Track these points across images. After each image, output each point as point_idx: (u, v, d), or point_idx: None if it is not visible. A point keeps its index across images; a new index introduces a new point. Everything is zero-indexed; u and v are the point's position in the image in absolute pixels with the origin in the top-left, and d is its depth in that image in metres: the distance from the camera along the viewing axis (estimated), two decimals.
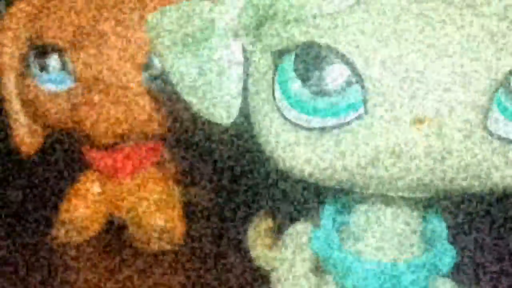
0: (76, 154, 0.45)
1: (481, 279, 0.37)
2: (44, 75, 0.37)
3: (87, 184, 0.44)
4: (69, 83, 0.37)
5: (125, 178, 0.43)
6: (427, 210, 0.26)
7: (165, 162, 0.44)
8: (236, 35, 0.24)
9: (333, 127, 0.21)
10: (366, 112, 0.21)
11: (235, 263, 0.39)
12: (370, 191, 0.23)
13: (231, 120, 0.24)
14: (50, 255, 0.41)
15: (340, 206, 0.26)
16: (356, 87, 0.21)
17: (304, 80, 0.21)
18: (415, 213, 0.25)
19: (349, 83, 0.21)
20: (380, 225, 0.25)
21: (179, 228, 0.43)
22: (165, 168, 0.44)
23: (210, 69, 0.24)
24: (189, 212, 0.44)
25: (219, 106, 0.24)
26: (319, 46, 0.21)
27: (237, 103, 0.24)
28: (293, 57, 0.22)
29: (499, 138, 0.21)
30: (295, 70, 0.21)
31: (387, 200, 0.25)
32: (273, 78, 0.22)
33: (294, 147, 0.22)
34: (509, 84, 0.21)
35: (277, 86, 0.22)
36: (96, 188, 0.44)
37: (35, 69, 0.38)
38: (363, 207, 0.25)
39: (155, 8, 0.35)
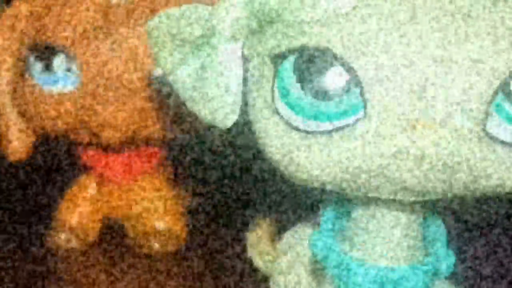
0: (72, 157, 0.45)
1: (480, 284, 0.37)
2: (48, 76, 0.37)
3: (85, 188, 0.44)
4: (74, 84, 0.36)
5: (126, 182, 0.43)
6: (427, 214, 0.26)
7: (165, 165, 0.44)
8: (235, 39, 0.24)
9: (333, 131, 0.21)
10: (365, 115, 0.21)
11: (235, 266, 0.39)
12: (370, 194, 0.23)
13: (231, 123, 0.24)
14: (48, 261, 0.41)
15: (339, 209, 0.26)
16: (356, 91, 0.21)
17: (304, 83, 0.21)
18: (414, 217, 0.25)
19: (348, 87, 0.21)
20: (379, 228, 0.25)
21: (180, 231, 0.43)
22: (165, 171, 0.44)
23: (209, 73, 0.24)
24: (190, 214, 0.44)
25: (219, 109, 0.24)
26: (319, 49, 0.21)
27: (236, 106, 0.24)
28: (292, 60, 0.21)
29: (499, 141, 0.21)
30: (295, 73, 0.21)
31: (386, 204, 0.25)
32: (272, 82, 0.22)
33: (293, 150, 0.22)
34: (509, 88, 0.21)
35: (276, 90, 0.22)
36: (93, 191, 0.44)
37: (36, 70, 0.37)
38: (362, 211, 0.25)
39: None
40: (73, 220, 0.43)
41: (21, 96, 0.38)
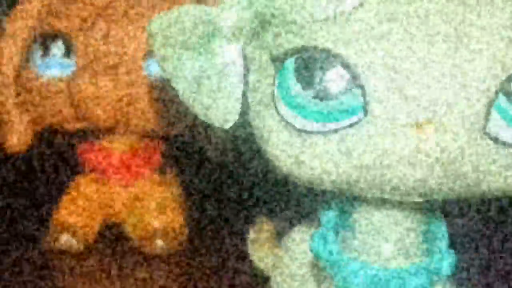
0: (69, 156, 0.45)
1: (481, 284, 0.37)
2: (46, 61, 0.38)
3: (83, 188, 0.44)
4: (71, 70, 0.37)
5: (125, 182, 0.43)
6: (428, 214, 0.26)
7: (165, 165, 0.44)
8: (236, 40, 0.24)
9: (334, 131, 0.21)
10: (366, 116, 0.21)
11: (236, 267, 0.39)
12: (370, 195, 0.23)
13: (231, 123, 0.24)
14: (46, 264, 0.41)
15: (340, 209, 0.26)
16: (356, 91, 0.21)
17: (305, 84, 0.21)
18: (415, 217, 0.25)
19: (349, 87, 0.21)
20: (380, 229, 0.25)
21: (180, 231, 0.43)
22: (165, 170, 0.44)
23: (210, 73, 0.24)
24: (190, 215, 0.44)
25: (219, 109, 0.24)
26: (320, 50, 0.21)
27: (237, 106, 0.24)
28: (293, 61, 0.21)
29: (500, 142, 0.21)
30: (296, 74, 0.21)
31: (387, 204, 0.25)
32: (273, 82, 0.22)
33: (294, 151, 0.22)
34: (509, 88, 0.21)
35: (277, 90, 0.22)
36: (92, 191, 0.43)
37: (37, 57, 0.38)
38: (363, 211, 0.25)
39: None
40: (72, 221, 0.43)
41: (21, 84, 0.39)
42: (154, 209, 0.43)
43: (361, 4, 0.21)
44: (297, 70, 0.21)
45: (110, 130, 0.40)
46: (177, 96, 0.25)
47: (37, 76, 0.38)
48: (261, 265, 0.36)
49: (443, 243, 0.25)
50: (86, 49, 0.37)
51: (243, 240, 0.38)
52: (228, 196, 0.48)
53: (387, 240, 0.25)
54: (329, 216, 0.26)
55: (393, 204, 0.25)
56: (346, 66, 0.21)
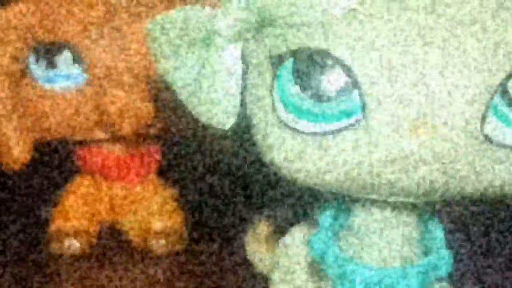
0: (67, 158, 0.45)
1: (478, 283, 0.37)
2: (52, 73, 0.37)
3: (81, 190, 0.43)
4: (80, 79, 0.36)
5: (125, 183, 0.43)
6: (425, 215, 0.26)
7: (164, 166, 0.44)
8: (235, 41, 0.24)
9: (332, 133, 0.21)
10: (364, 117, 0.21)
11: (235, 268, 0.40)
12: (368, 196, 0.23)
13: (230, 124, 0.24)
14: (46, 266, 0.41)
15: (338, 210, 0.26)
16: (354, 92, 0.21)
17: (303, 85, 0.21)
18: (412, 218, 0.25)
19: (347, 89, 0.21)
20: (378, 229, 0.25)
21: (179, 231, 0.43)
22: (164, 171, 0.44)
23: (208, 74, 0.24)
24: (189, 216, 0.44)
25: (218, 110, 0.24)
26: (318, 51, 0.21)
27: (235, 108, 0.24)
28: (291, 62, 0.22)
29: (496, 143, 0.21)
30: (294, 75, 0.22)
31: (385, 205, 0.25)
32: (271, 84, 0.22)
33: (292, 152, 0.22)
34: (506, 89, 0.21)
35: (275, 91, 0.22)
36: (91, 193, 0.43)
37: (38, 69, 0.37)
38: (361, 212, 0.25)
39: (170, 2, 0.36)
40: (74, 224, 0.42)
41: (22, 98, 0.38)
42: (153, 210, 0.43)
43: (359, 6, 0.21)
44: (295, 72, 0.21)
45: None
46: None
47: (39, 89, 0.37)
48: (259, 266, 0.36)
49: (440, 243, 0.25)
50: (99, 59, 0.36)
51: (242, 240, 0.38)
52: (226, 197, 0.48)
53: (385, 240, 0.25)
54: (327, 216, 0.26)
55: (390, 205, 0.25)
56: (344, 67, 0.21)
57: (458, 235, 0.39)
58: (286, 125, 0.22)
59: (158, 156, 0.44)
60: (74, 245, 0.42)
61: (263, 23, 0.23)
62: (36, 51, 0.37)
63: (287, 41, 0.22)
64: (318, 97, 0.21)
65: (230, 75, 0.24)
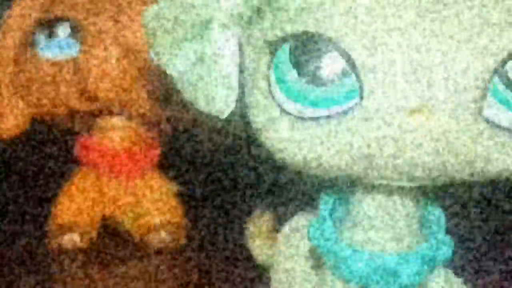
0: (67, 152, 0.45)
1: (479, 269, 0.37)
2: (51, 43, 0.38)
3: (81, 184, 0.43)
4: (75, 51, 0.38)
5: (125, 179, 0.43)
6: (425, 199, 0.26)
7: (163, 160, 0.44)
8: (231, 27, 0.24)
9: (329, 117, 0.21)
10: (361, 101, 0.21)
11: (236, 261, 0.40)
12: (367, 181, 0.23)
13: (228, 112, 0.24)
14: (45, 262, 0.41)
15: (338, 197, 0.26)
16: (352, 76, 0.21)
17: (300, 70, 0.21)
18: (413, 203, 0.25)
19: (344, 73, 0.21)
20: (378, 215, 0.25)
21: (180, 226, 0.43)
22: (164, 166, 0.44)
23: (205, 61, 0.24)
24: (189, 209, 0.44)
25: (215, 98, 0.24)
26: (314, 35, 0.21)
27: (233, 94, 0.24)
28: (288, 47, 0.22)
29: (496, 125, 0.21)
30: (291, 60, 0.21)
31: (385, 190, 0.25)
32: (268, 69, 0.22)
33: (290, 137, 0.22)
34: (504, 71, 0.21)
35: (272, 77, 0.22)
36: (90, 188, 0.43)
37: (40, 38, 0.38)
38: (360, 198, 0.25)
39: None
40: (74, 219, 0.43)
41: (21, 67, 0.39)
42: (153, 205, 0.43)
43: None
44: (292, 56, 0.21)
45: (109, 112, 0.40)
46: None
47: (39, 57, 0.38)
48: (260, 257, 0.36)
49: (440, 229, 0.25)
50: (95, 30, 0.37)
51: (242, 233, 0.38)
52: (226, 191, 0.48)
53: (385, 227, 0.25)
54: (326, 204, 0.26)
55: (390, 191, 0.25)
56: (340, 51, 0.21)
57: (458, 221, 0.39)
58: (283, 110, 0.22)
59: (158, 150, 0.44)
60: (74, 239, 0.42)
61: (259, 9, 0.23)
62: (41, 24, 0.38)
63: (284, 26, 0.22)
64: (316, 82, 0.21)
65: (226, 61, 0.24)
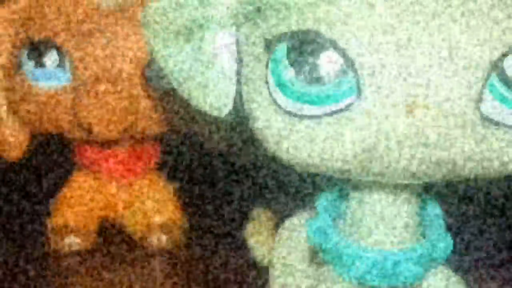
0: (66, 154, 0.44)
1: (478, 267, 0.37)
2: (40, 71, 0.37)
3: (80, 187, 0.43)
4: (66, 80, 0.37)
5: (125, 180, 0.43)
6: (424, 197, 0.26)
7: (163, 161, 0.44)
8: (229, 25, 0.24)
9: (327, 115, 0.21)
10: (359, 99, 0.21)
11: (235, 261, 0.40)
12: (366, 178, 0.23)
13: (226, 111, 0.24)
14: (46, 264, 0.40)
15: (336, 195, 0.26)
16: (350, 74, 0.21)
17: (297, 68, 0.21)
18: (411, 201, 0.25)
19: (342, 71, 0.21)
20: (376, 213, 0.25)
21: (179, 226, 0.43)
22: (163, 166, 0.44)
23: (203, 60, 0.24)
24: (189, 210, 0.44)
25: (213, 97, 0.24)
26: (312, 33, 0.21)
27: (231, 93, 0.24)
28: (286, 45, 0.22)
29: (493, 122, 0.21)
30: (288, 58, 0.21)
31: (383, 188, 0.25)
32: (266, 68, 0.22)
33: (288, 135, 0.22)
34: (502, 68, 0.21)
35: (270, 75, 0.22)
36: (90, 190, 0.43)
37: (28, 66, 0.37)
38: (359, 195, 0.25)
39: None
40: (74, 221, 0.42)
41: (13, 93, 0.38)
42: (153, 206, 0.43)
43: None
44: (289, 55, 0.21)
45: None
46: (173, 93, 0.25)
47: (29, 86, 0.37)
48: (259, 256, 0.36)
49: (439, 227, 0.25)
50: (84, 62, 0.36)
51: (242, 234, 0.38)
52: (226, 191, 0.48)
53: (383, 224, 0.25)
54: (325, 202, 0.26)
55: (388, 188, 0.25)
56: (338, 49, 0.21)
57: (457, 218, 0.39)
58: (281, 108, 0.22)
59: (157, 152, 0.44)
60: (74, 241, 0.42)
61: (256, 7, 0.23)
62: (28, 48, 0.37)
63: (281, 24, 0.22)
64: (313, 80, 0.21)
65: (224, 60, 0.24)
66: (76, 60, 0.36)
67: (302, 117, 0.22)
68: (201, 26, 0.24)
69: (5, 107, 0.39)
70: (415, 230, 0.25)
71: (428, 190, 0.26)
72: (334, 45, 0.21)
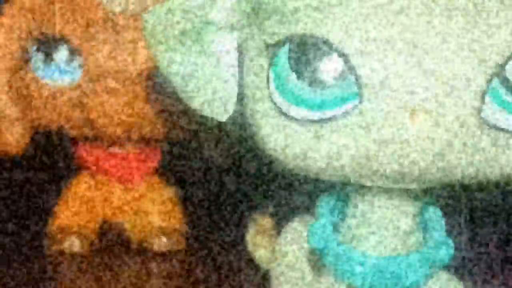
0: (68, 156, 0.44)
1: (479, 271, 0.37)
2: (49, 67, 0.37)
3: (81, 188, 0.43)
4: (74, 76, 0.37)
5: (126, 182, 0.43)
6: (425, 202, 0.26)
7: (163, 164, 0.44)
8: (230, 29, 0.24)
9: (328, 120, 0.21)
10: (360, 103, 0.21)
11: (236, 265, 0.39)
12: (367, 183, 0.23)
13: (227, 115, 0.24)
14: (46, 266, 0.40)
15: (337, 200, 0.26)
16: (351, 78, 0.21)
17: (299, 72, 0.21)
18: (412, 205, 0.25)
19: (343, 75, 0.21)
20: (377, 218, 0.25)
21: (180, 229, 0.43)
22: (164, 169, 0.44)
23: (205, 64, 0.24)
24: (189, 213, 0.44)
25: (215, 101, 0.24)
26: (313, 38, 0.21)
27: (232, 97, 0.24)
28: (287, 49, 0.22)
29: (494, 127, 0.21)
30: (290, 63, 0.22)
31: (384, 193, 0.25)
32: (267, 72, 0.22)
33: (288, 140, 0.22)
34: (503, 73, 0.21)
35: (271, 80, 0.22)
36: (90, 192, 0.43)
37: (37, 62, 0.37)
38: (360, 200, 0.25)
39: None
40: (74, 223, 0.42)
41: (19, 88, 0.38)
42: (154, 209, 0.43)
43: None
44: (291, 59, 0.21)
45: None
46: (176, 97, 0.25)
47: (37, 81, 0.37)
48: (260, 260, 0.36)
49: (439, 231, 0.25)
50: (94, 60, 0.36)
51: (242, 235, 0.38)
52: (226, 195, 0.48)
53: (384, 229, 0.25)
54: (326, 206, 0.26)
55: (389, 193, 0.25)
56: (339, 53, 0.21)
57: (458, 223, 0.39)
58: (283, 113, 0.22)
59: (158, 155, 0.44)
60: (75, 243, 0.41)
61: (257, 11, 0.23)
62: (37, 43, 0.37)
63: (282, 28, 0.22)
64: (315, 84, 0.21)
65: (225, 64, 0.24)
66: (86, 57, 0.36)
67: (303, 121, 0.22)
68: (202, 30, 0.24)
69: (7, 101, 0.39)
70: (416, 234, 0.25)
71: (428, 195, 0.26)
72: (336, 50, 0.21)
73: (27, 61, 0.38)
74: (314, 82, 0.21)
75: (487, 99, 0.21)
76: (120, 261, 0.41)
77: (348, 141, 0.21)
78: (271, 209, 0.38)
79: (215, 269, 0.39)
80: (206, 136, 0.41)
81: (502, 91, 0.21)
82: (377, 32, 0.20)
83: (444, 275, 0.26)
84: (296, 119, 0.22)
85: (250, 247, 0.37)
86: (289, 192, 0.43)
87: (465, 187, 0.24)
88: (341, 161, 0.21)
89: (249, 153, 0.42)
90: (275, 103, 0.22)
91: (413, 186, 0.23)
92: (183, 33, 0.24)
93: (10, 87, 0.38)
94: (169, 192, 0.44)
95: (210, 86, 0.24)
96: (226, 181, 0.49)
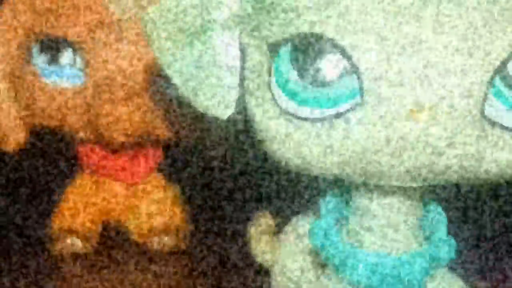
0: (68, 156, 0.44)
1: (481, 270, 0.37)
2: (52, 68, 0.37)
3: (82, 188, 0.43)
4: (78, 79, 0.37)
5: (127, 182, 0.43)
6: (426, 200, 0.26)
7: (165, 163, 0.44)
8: (232, 28, 0.24)
9: (330, 117, 0.21)
10: (362, 101, 0.21)
11: (237, 263, 0.39)
12: (368, 181, 0.23)
13: (229, 113, 0.24)
14: (48, 266, 0.40)
15: (339, 198, 0.26)
16: (352, 77, 0.21)
17: (301, 71, 0.21)
18: (414, 204, 0.25)
19: (345, 73, 0.21)
20: (379, 216, 0.25)
21: (182, 228, 0.43)
22: (165, 168, 0.44)
23: (206, 62, 0.24)
24: (191, 212, 0.44)
25: (216, 99, 0.24)
26: (315, 36, 0.21)
27: (234, 95, 0.24)
28: (289, 48, 0.22)
29: (497, 125, 0.21)
30: (291, 61, 0.21)
31: (386, 191, 0.25)
32: (269, 70, 0.22)
33: (291, 138, 0.22)
34: (506, 71, 0.21)
35: (273, 78, 0.22)
36: (92, 192, 0.43)
37: (41, 62, 0.37)
38: (361, 198, 0.25)
39: None
40: (76, 223, 0.42)
41: (22, 86, 0.38)
42: (156, 208, 0.43)
43: None
44: (292, 57, 0.21)
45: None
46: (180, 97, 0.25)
47: (41, 81, 0.37)
48: (262, 259, 0.36)
49: (441, 230, 0.25)
50: (99, 63, 0.36)
51: (244, 236, 0.38)
52: (228, 194, 0.48)
53: (386, 227, 0.25)
54: (328, 205, 0.26)
55: (391, 191, 0.25)
56: (341, 52, 0.21)
57: (460, 221, 0.39)
58: (284, 111, 0.22)
59: (160, 154, 0.44)
60: (76, 243, 0.42)
61: (259, 10, 0.23)
62: (41, 44, 0.37)
63: (284, 27, 0.22)
64: (317, 83, 0.21)
65: (227, 62, 0.24)
66: (91, 60, 0.36)
67: (304, 119, 0.22)
68: (203, 28, 0.24)
69: (7, 97, 0.39)
70: (418, 233, 0.25)
71: (430, 193, 0.26)
72: (338, 48, 0.21)
73: (28, 60, 0.38)
74: (316, 80, 0.21)
75: (490, 97, 0.21)
76: (121, 261, 0.41)
77: (350, 138, 0.21)
78: (272, 208, 0.38)
79: (217, 268, 0.39)
80: (207, 135, 0.41)
81: (505, 89, 0.21)
82: (379, 29, 0.20)
83: (445, 274, 0.26)
84: (298, 117, 0.22)
85: (251, 246, 0.37)
86: (290, 191, 0.43)
87: (466, 185, 0.24)
88: (343, 159, 0.21)
89: (250, 151, 0.42)
90: (277, 102, 0.22)
91: (415, 184, 0.23)
92: (184, 31, 0.24)
93: (12, 83, 0.38)
94: (170, 191, 0.44)
95: (212, 84, 0.24)
96: (228, 180, 0.49)
